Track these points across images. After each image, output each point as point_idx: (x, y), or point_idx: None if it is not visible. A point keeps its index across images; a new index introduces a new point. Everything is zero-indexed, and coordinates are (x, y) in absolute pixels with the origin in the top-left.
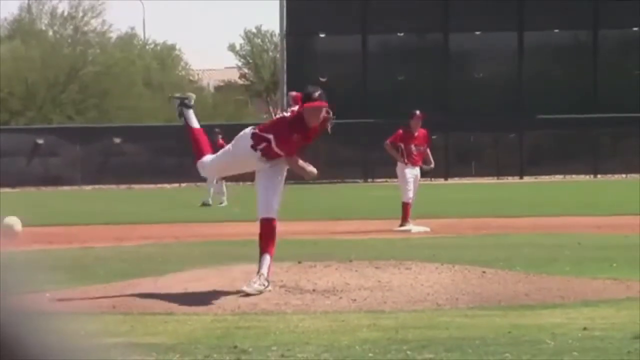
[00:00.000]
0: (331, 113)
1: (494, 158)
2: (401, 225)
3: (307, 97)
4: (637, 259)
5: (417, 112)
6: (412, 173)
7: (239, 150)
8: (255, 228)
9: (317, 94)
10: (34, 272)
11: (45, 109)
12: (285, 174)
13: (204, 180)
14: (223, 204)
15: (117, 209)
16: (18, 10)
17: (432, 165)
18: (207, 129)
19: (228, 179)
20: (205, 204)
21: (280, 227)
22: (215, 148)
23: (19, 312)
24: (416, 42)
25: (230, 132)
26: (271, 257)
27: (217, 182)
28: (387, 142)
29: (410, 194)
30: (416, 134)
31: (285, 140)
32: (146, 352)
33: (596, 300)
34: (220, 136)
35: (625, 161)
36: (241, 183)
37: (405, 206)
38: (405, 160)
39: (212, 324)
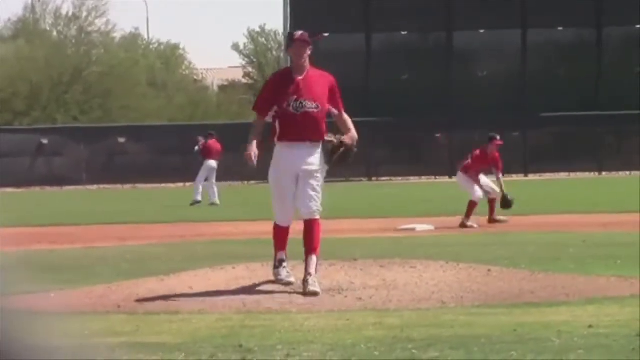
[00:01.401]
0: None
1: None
2: (464, 222)
3: (290, 38)
4: None
5: (498, 137)
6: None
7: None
8: (259, 227)
9: (299, 33)
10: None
11: (50, 109)
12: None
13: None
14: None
15: (122, 209)
16: (22, 10)
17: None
18: (204, 129)
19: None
20: (213, 204)
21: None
22: (200, 149)
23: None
24: (420, 40)
25: (234, 130)
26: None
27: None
28: (472, 173)
29: (479, 194)
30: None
31: (260, 93)
32: (151, 351)
33: (601, 298)
34: (213, 139)
35: (629, 159)
36: (246, 182)
37: (471, 205)
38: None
39: (217, 323)
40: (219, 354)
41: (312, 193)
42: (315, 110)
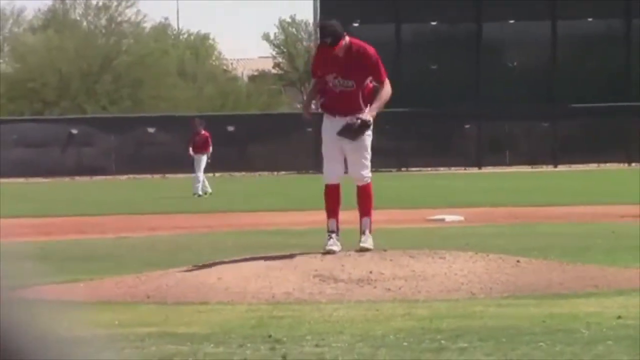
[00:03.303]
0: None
1: (528, 147)
2: None
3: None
4: None
5: None
6: None
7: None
8: (288, 218)
9: (327, 40)
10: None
11: (79, 99)
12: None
13: (237, 170)
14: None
15: (151, 199)
16: (52, 0)
17: None
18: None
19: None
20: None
21: (314, 217)
22: (196, 138)
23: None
24: (449, 31)
25: (263, 121)
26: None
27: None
28: None
29: None
30: None
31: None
32: (180, 341)
33: (630, 289)
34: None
35: None
36: (276, 173)
37: None
38: None
39: (247, 313)
40: (248, 344)
41: (362, 161)
42: (352, 89)
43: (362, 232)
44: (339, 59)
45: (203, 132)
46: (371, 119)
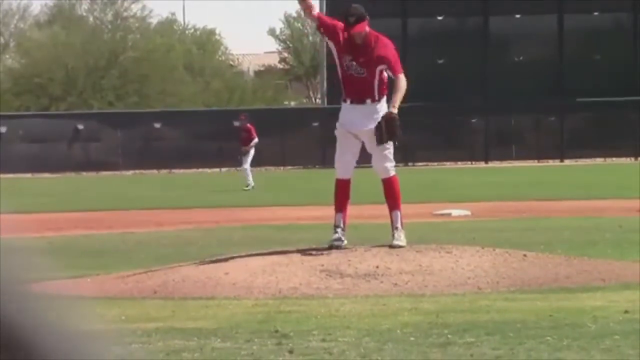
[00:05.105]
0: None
1: (535, 141)
2: None
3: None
4: None
5: None
6: None
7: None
8: (296, 213)
9: (352, 19)
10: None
11: (86, 94)
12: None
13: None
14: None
15: (158, 194)
16: None
17: None
18: (239, 114)
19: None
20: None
21: (321, 212)
22: (242, 134)
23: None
24: (456, 25)
25: (270, 115)
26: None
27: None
28: None
29: None
30: None
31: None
32: (187, 336)
33: (637, 283)
34: (247, 123)
35: None
36: (282, 168)
37: None
38: None
39: (253, 308)
40: (255, 339)
41: (385, 154)
42: (363, 76)
43: (395, 228)
44: (357, 45)
45: (248, 125)
46: (394, 111)
